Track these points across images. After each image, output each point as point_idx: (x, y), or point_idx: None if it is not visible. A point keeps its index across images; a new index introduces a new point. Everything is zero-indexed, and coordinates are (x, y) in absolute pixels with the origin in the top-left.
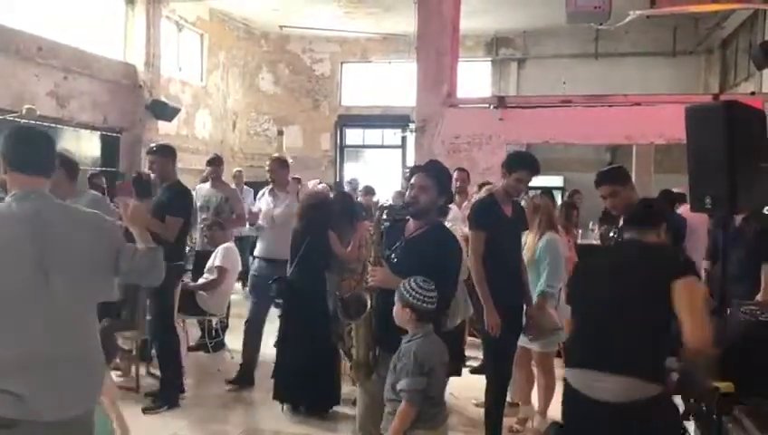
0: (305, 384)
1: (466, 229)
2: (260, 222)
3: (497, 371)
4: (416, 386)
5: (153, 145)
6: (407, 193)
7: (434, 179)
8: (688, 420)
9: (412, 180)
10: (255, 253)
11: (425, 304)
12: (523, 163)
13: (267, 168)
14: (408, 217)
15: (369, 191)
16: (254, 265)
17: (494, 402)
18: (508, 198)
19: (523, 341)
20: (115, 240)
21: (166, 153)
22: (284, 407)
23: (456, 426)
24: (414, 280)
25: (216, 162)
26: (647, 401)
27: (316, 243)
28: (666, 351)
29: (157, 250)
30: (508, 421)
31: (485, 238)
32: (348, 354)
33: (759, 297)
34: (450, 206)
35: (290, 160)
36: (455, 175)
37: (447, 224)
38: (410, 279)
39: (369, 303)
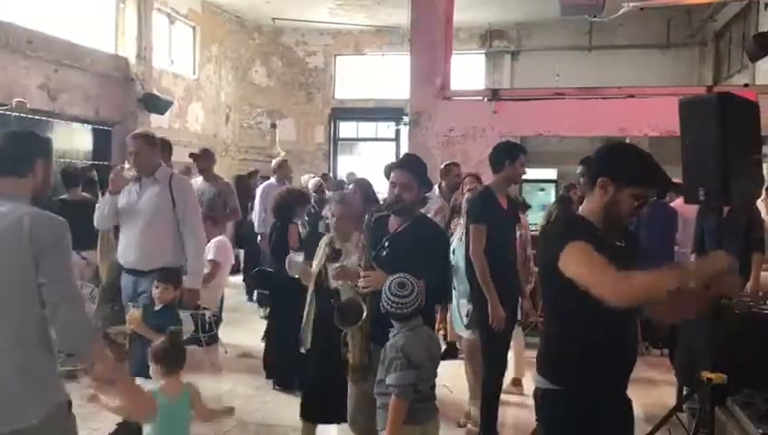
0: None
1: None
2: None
3: (492, 360)
4: (405, 380)
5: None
6: (388, 191)
7: (415, 175)
8: (682, 411)
9: (392, 178)
10: (120, 260)
11: (398, 311)
12: (519, 148)
13: (129, 147)
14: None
15: None
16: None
17: (491, 392)
18: (506, 188)
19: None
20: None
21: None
22: (273, 381)
23: (452, 419)
24: (389, 287)
25: (205, 156)
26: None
27: (285, 236)
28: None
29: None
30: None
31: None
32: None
33: (748, 287)
34: (428, 195)
35: (282, 154)
36: (454, 171)
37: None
38: (388, 284)
39: (364, 310)
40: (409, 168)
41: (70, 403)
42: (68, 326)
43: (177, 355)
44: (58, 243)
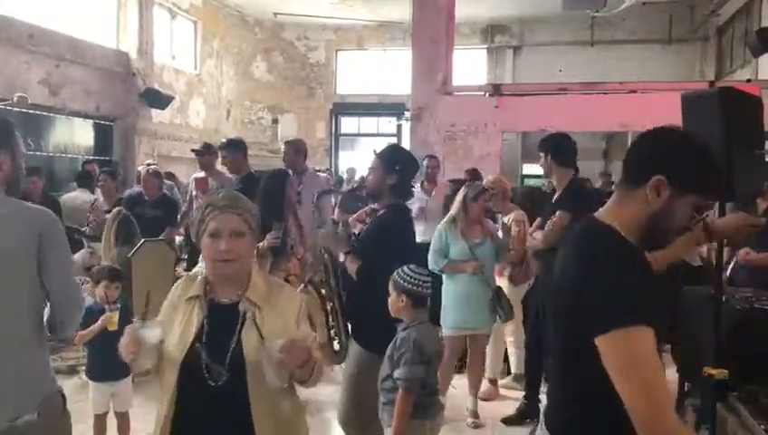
0: None
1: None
2: None
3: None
4: (414, 375)
5: (223, 140)
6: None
7: (379, 159)
8: (684, 406)
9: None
10: None
11: (420, 289)
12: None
13: None
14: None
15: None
16: None
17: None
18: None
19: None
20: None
21: (235, 147)
22: None
23: (458, 418)
24: (407, 266)
25: (206, 152)
26: None
27: None
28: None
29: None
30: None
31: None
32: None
33: None
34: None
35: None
36: (425, 162)
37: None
38: (403, 266)
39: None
40: (380, 153)
41: (64, 399)
42: (66, 298)
43: None
44: (54, 233)
